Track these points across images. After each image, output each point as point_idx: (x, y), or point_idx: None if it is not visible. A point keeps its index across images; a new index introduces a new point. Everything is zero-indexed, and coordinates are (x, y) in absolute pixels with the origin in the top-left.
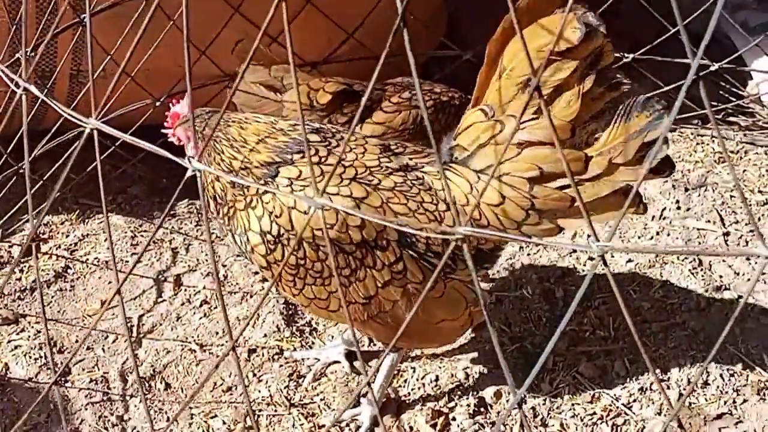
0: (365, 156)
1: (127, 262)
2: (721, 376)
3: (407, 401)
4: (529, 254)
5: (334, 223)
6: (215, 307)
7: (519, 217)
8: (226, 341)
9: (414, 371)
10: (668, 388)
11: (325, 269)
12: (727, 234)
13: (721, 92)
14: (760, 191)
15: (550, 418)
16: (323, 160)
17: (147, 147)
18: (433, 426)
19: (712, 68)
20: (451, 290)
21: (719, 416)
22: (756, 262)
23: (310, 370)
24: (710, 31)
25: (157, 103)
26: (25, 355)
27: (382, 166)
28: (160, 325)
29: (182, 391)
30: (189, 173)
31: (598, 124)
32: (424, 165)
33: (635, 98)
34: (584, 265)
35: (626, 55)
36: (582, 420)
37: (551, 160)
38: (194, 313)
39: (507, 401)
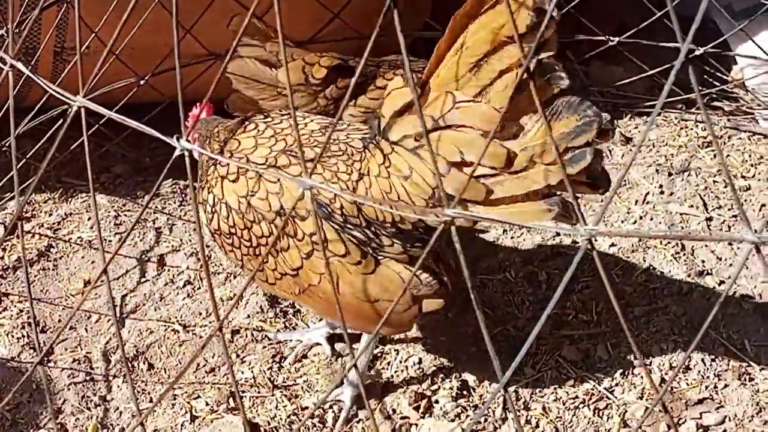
0: (302, 130)
1: (110, 242)
2: (702, 360)
3: (391, 384)
4: (512, 237)
5: (256, 191)
6: (199, 288)
7: (427, 194)
8: (211, 322)
9: (397, 353)
10: (650, 372)
11: (253, 238)
12: (710, 219)
13: (705, 77)
14: (743, 176)
15: (533, 401)
16: (261, 133)
17: (134, 125)
18: (416, 408)
19: (698, 52)
20: (384, 268)
21: (700, 401)
22: (739, 248)
23: (293, 351)
24: (700, 14)
25: (142, 82)
26: (7, 335)
27: (312, 139)
28: (144, 305)
29: (165, 372)
30: (177, 152)
31: (530, 118)
32: (354, 139)
33: (569, 98)
34: (568, 249)
35: (612, 38)
36: (564, 404)
37: (476, 146)
38: (178, 293)
39: (490, 384)
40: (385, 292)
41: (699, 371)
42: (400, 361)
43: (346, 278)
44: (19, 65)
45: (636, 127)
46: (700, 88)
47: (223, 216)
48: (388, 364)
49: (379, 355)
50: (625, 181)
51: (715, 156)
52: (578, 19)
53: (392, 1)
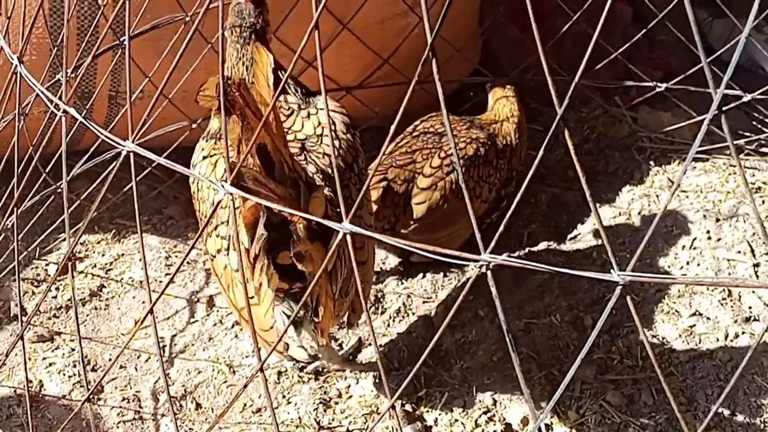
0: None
1: (161, 282)
2: (748, 407)
3: (435, 426)
4: (558, 281)
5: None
6: (247, 329)
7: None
8: (256, 362)
9: (442, 395)
10: (695, 418)
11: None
12: (757, 265)
13: (754, 123)
14: None
15: None
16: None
17: (181, 170)
18: None
19: (745, 99)
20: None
21: None
22: None
23: (339, 392)
24: (734, 61)
25: (194, 125)
26: (59, 373)
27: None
28: (192, 345)
29: (212, 411)
30: (221, 196)
31: None
32: None
33: None
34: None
35: (659, 84)
36: None
37: None
38: (226, 333)
39: (533, 428)
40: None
41: (745, 417)
42: (445, 403)
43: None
44: (72, 111)
45: (684, 172)
46: (749, 134)
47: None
48: (433, 406)
49: (423, 396)
50: (672, 226)
51: (764, 202)
52: (626, 65)
53: (431, 51)
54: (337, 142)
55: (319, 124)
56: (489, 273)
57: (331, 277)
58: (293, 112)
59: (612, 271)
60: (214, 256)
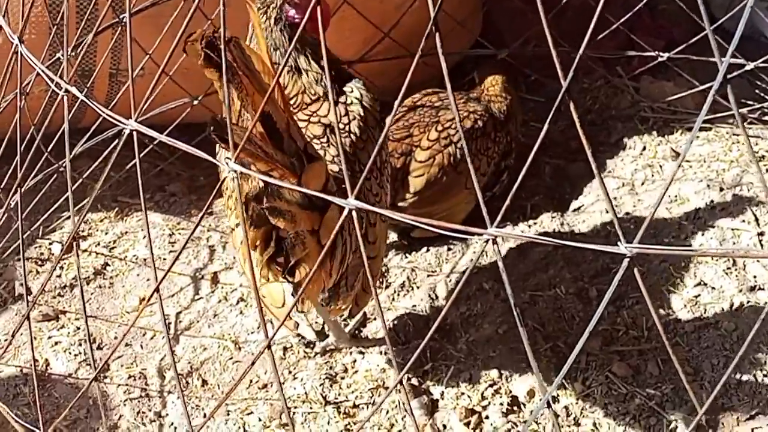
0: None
1: (165, 259)
2: (754, 376)
3: (441, 400)
4: (563, 253)
5: None
6: (251, 305)
7: None
8: (262, 338)
9: (448, 369)
10: (701, 388)
11: None
12: (761, 234)
13: (757, 91)
14: None
15: (583, 417)
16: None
17: (184, 147)
18: (467, 424)
19: (748, 67)
20: None
21: (752, 416)
22: None
23: (344, 367)
24: (740, 31)
25: (195, 102)
26: (65, 351)
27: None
28: (197, 322)
29: (219, 388)
30: (226, 173)
31: None
32: None
33: None
34: (619, 266)
35: (661, 54)
36: (615, 419)
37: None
38: (231, 310)
39: (540, 400)
40: None
41: (751, 386)
42: (451, 377)
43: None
44: (74, 90)
45: (691, 143)
46: (752, 102)
47: None
48: (439, 380)
49: (429, 370)
50: (675, 196)
51: None
52: (628, 35)
53: (434, 25)
54: (361, 133)
55: (346, 113)
56: (495, 247)
57: (330, 253)
58: (318, 98)
59: (619, 243)
60: (233, 229)
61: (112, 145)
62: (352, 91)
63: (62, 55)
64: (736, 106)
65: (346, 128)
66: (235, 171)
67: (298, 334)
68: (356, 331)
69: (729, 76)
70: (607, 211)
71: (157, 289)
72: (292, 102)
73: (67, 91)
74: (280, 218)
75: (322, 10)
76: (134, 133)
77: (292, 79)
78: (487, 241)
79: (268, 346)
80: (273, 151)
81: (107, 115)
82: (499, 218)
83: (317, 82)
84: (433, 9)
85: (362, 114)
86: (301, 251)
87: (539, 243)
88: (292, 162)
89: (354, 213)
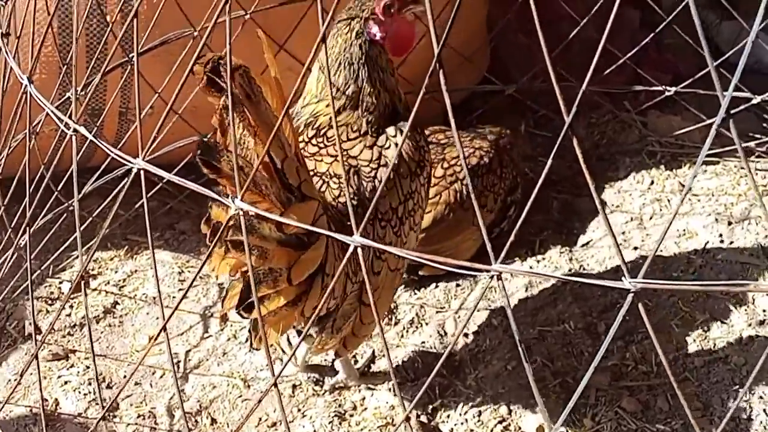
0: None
1: (174, 297)
2: (764, 410)
3: None
4: (571, 288)
5: None
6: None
7: None
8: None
9: (457, 405)
10: (710, 423)
11: None
12: None
13: (764, 125)
14: None
15: None
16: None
17: (191, 186)
18: None
19: (754, 101)
20: None
21: None
22: None
23: (354, 405)
24: (741, 64)
25: (204, 140)
26: (74, 391)
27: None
28: (207, 360)
29: (228, 426)
30: (232, 212)
31: None
32: None
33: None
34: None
35: (668, 88)
36: None
37: None
38: (240, 348)
39: None
40: None
41: (761, 422)
42: (460, 414)
43: None
44: (82, 130)
45: (695, 176)
46: (760, 135)
47: None
48: (448, 416)
49: (439, 407)
50: (684, 230)
51: None
52: (635, 69)
53: (438, 63)
54: (387, 181)
55: (379, 157)
56: (500, 283)
57: (306, 293)
58: (358, 137)
59: (623, 278)
60: None
61: (120, 185)
62: (394, 135)
63: (71, 95)
64: (739, 141)
65: (372, 173)
66: (241, 209)
67: (306, 369)
68: (366, 368)
69: (735, 110)
70: (616, 246)
71: (164, 328)
72: (329, 135)
73: (75, 130)
74: (242, 254)
75: (403, 32)
76: (141, 172)
77: (346, 111)
78: (492, 278)
79: (275, 384)
80: (268, 183)
81: (115, 154)
82: (503, 254)
83: (365, 117)
84: (437, 47)
85: (396, 162)
86: (269, 288)
87: (548, 278)
88: (288, 197)
89: (359, 251)
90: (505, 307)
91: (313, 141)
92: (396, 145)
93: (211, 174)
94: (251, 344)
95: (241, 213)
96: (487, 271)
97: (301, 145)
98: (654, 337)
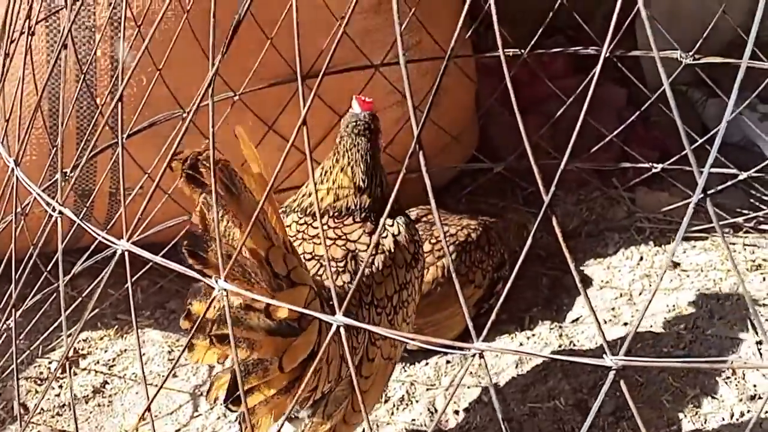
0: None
1: (163, 376)
2: None
3: None
4: (561, 364)
5: None
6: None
7: None
8: None
9: None
10: None
11: None
12: (760, 342)
13: (751, 200)
14: None
15: None
16: None
17: (175, 267)
18: None
19: (741, 177)
20: None
21: None
22: None
23: None
24: (717, 144)
25: (192, 232)
26: None
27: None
28: None
29: None
30: (216, 292)
31: None
32: None
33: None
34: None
35: (655, 165)
36: None
37: None
38: (230, 426)
39: None
40: None
41: None
42: None
43: None
44: (67, 212)
45: (684, 252)
46: (747, 211)
47: None
48: None
49: None
50: (674, 306)
51: (765, 279)
52: (622, 147)
53: (417, 144)
54: (383, 268)
55: (376, 245)
56: (482, 361)
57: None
58: (360, 222)
59: (605, 355)
60: None
61: (108, 266)
62: (392, 225)
63: (58, 177)
64: (717, 219)
65: (370, 259)
66: (225, 290)
67: None
68: None
69: (722, 186)
70: (606, 322)
71: (148, 408)
72: (335, 216)
73: (60, 213)
74: (228, 347)
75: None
76: (126, 253)
77: (353, 194)
78: (473, 356)
79: None
80: (258, 271)
81: (100, 236)
82: (485, 332)
83: (367, 205)
84: (416, 127)
85: (392, 250)
86: (258, 378)
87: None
88: (279, 284)
89: (342, 331)
90: (488, 385)
91: (314, 224)
92: (393, 234)
93: (197, 265)
94: None
95: (225, 294)
96: (468, 348)
97: (303, 227)
98: (637, 415)
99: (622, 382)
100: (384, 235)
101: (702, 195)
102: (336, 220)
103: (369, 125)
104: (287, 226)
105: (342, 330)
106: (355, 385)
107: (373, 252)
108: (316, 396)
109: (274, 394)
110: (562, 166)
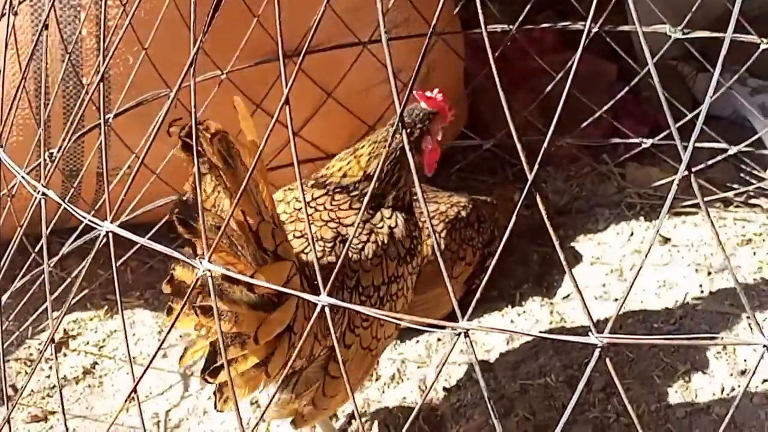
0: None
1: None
2: None
3: None
4: (552, 341)
5: None
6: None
7: None
8: None
9: None
10: None
11: None
12: (750, 317)
13: (742, 175)
14: None
15: None
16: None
17: (159, 248)
18: None
19: (731, 152)
20: None
21: None
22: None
23: None
24: (702, 118)
25: (182, 199)
26: None
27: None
28: (187, 419)
29: None
30: (199, 273)
31: None
32: None
33: None
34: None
35: (645, 140)
36: None
37: None
38: None
39: None
40: None
41: None
42: None
43: None
44: (51, 194)
45: (675, 227)
46: (737, 186)
47: None
48: None
49: None
50: (664, 281)
51: (755, 254)
52: (612, 122)
53: (401, 122)
54: (373, 257)
55: (370, 233)
56: (468, 340)
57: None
58: (356, 208)
59: (590, 333)
60: None
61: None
62: (389, 217)
63: (44, 158)
64: (701, 195)
65: (360, 245)
66: (209, 270)
67: None
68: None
69: (712, 161)
70: (596, 298)
71: (134, 389)
72: (320, 201)
73: (44, 195)
74: (212, 319)
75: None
76: (110, 234)
77: (359, 179)
78: (459, 335)
79: None
80: (245, 244)
81: (83, 217)
82: (470, 311)
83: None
84: (399, 106)
85: (385, 242)
86: (237, 351)
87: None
88: (264, 258)
89: (327, 311)
90: (474, 363)
91: (311, 204)
92: (389, 226)
93: (186, 234)
94: (215, 406)
95: (209, 274)
96: (454, 328)
97: (300, 206)
98: (621, 390)
99: (607, 360)
100: (379, 225)
101: (686, 172)
102: (333, 203)
103: (420, 120)
104: (287, 202)
105: (327, 310)
106: (339, 365)
107: (359, 233)
108: (287, 371)
109: (250, 367)
110: (545, 143)
